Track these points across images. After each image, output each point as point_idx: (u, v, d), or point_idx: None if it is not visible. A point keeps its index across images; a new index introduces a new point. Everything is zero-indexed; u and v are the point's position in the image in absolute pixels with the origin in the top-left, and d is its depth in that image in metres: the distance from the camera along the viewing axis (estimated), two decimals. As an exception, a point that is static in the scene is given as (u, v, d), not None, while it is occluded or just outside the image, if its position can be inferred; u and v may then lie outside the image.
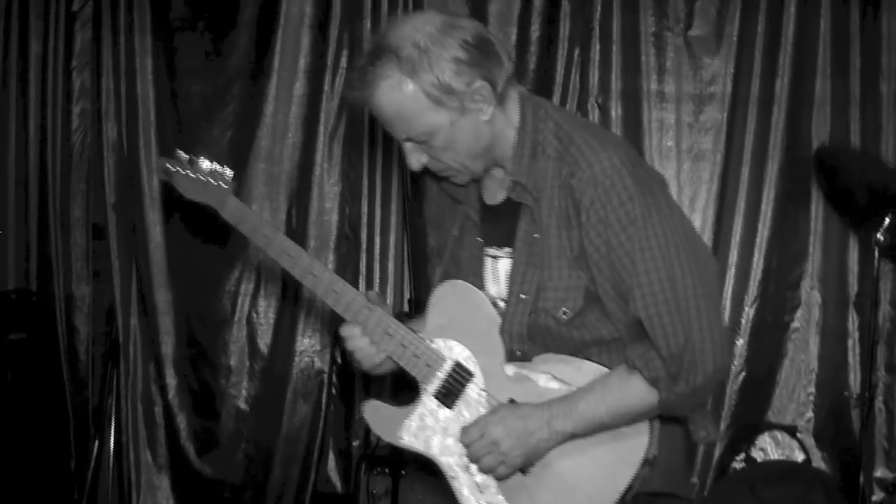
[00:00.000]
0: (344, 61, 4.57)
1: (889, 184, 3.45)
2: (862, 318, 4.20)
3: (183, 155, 2.44)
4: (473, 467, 2.22)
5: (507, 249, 2.27)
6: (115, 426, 4.82)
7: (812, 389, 4.35)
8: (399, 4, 4.51)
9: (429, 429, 2.29)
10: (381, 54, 2.07)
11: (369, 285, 4.58)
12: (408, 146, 2.18)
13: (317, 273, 2.32)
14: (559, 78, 4.41)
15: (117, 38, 4.72)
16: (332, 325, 4.68)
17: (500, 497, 2.22)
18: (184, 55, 4.74)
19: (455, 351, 2.27)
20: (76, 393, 4.84)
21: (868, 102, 4.20)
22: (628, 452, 2.14)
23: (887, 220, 3.48)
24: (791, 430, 4.33)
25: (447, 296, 2.31)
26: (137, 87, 4.72)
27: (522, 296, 2.19)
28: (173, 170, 2.43)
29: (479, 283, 2.32)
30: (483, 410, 2.24)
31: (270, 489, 4.73)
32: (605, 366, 2.16)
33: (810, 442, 4.33)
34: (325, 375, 4.70)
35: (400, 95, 2.07)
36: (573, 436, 2.13)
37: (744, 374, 4.32)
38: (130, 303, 4.82)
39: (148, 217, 4.75)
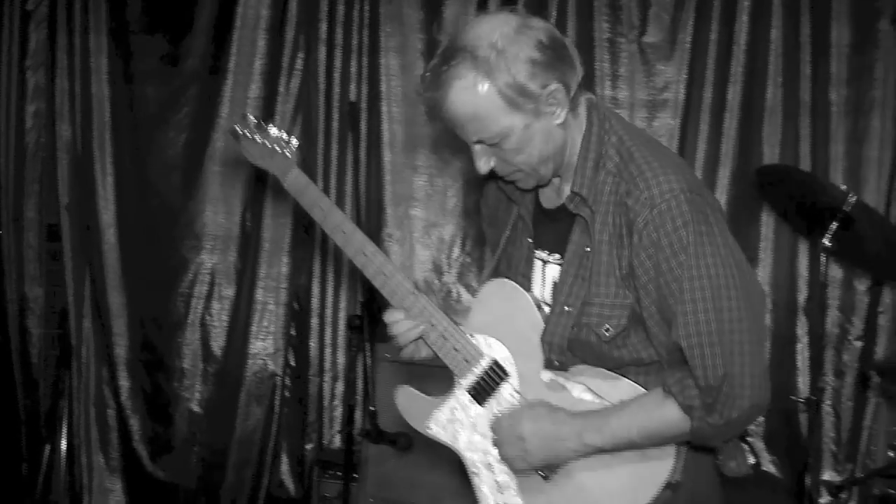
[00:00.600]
0: (300, 63, 4.60)
1: (828, 200, 3.49)
2: (811, 323, 4.24)
3: (252, 119, 2.52)
4: (496, 466, 2.26)
5: (557, 256, 2.25)
6: (67, 429, 4.81)
7: (762, 394, 4.38)
8: (355, 6, 4.53)
9: (458, 422, 2.31)
10: (456, 54, 2.04)
11: (324, 288, 4.58)
12: (477, 148, 2.14)
13: (368, 254, 2.33)
14: (514, 82, 4.42)
15: (72, 39, 4.72)
16: (285, 328, 4.68)
17: (519, 499, 2.24)
18: (140, 56, 4.73)
19: (494, 349, 2.27)
20: (28, 396, 4.82)
21: (818, 109, 4.24)
22: (652, 474, 2.12)
23: (834, 225, 3.52)
24: (741, 435, 4.35)
25: (494, 293, 2.30)
26: (92, 87, 4.71)
27: (567, 308, 2.17)
28: (241, 132, 2.54)
29: (527, 284, 2.31)
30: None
31: (224, 493, 4.72)
32: (642, 387, 2.14)
33: (760, 446, 4.36)
34: (279, 378, 4.69)
35: (475, 96, 2.03)
36: (601, 450, 2.13)
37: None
38: (84, 305, 4.80)
39: (102, 218, 4.73)
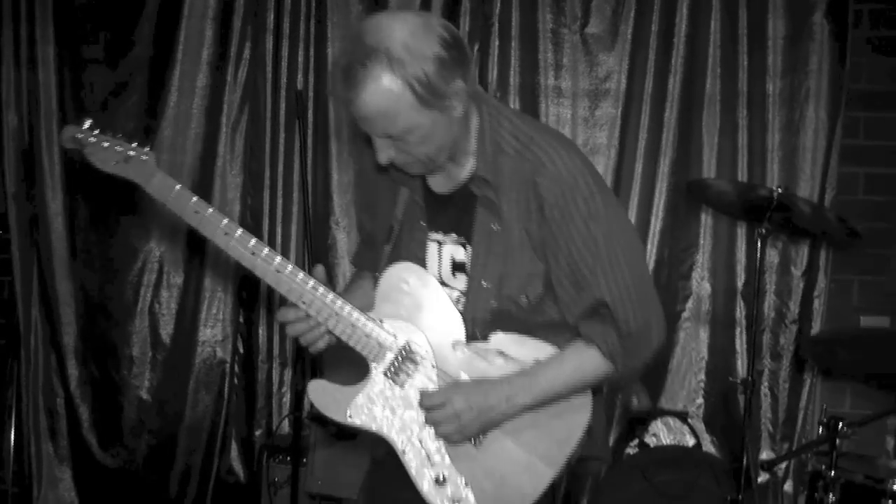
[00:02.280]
0: (247, 53, 4.62)
1: (759, 194, 3.60)
2: (748, 307, 4.35)
3: (90, 122, 2.34)
4: (423, 442, 2.31)
5: (454, 236, 2.35)
6: (15, 418, 4.78)
7: (702, 377, 4.50)
8: (301, -5, 4.56)
9: (378, 407, 2.33)
10: (370, 54, 2.06)
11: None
12: (380, 142, 2.19)
13: (257, 253, 2.28)
14: (459, 72, 4.48)
15: (18, 27, 4.68)
16: (234, 315, 4.71)
17: (451, 469, 2.31)
18: (86, 45, 4.71)
19: (406, 331, 2.32)
20: (-25, 385, 4.80)
21: (755, 100, 4.36)
22: (574, 424, 2.32)
23: (768, 214, 3.63)
24: (682, 416, 4.47)
25: (397, 277, 2.34)
26: (39, 75, 4.69)
27: (485, 283, 2.28)
28: (81, 137, 2.32)
29: (422, 265, 2.38)
30: (433, 387, 2.32)
31: (173, 479, 4.74)
32: (550, 343, 2.32)
33: (700, 427, 4.48)
34: (227, 365, 4.72)
35: (388, 96, 2.08)
36: (530, 408, 2.28)
37: (637, 362, 4.43)
38: (31, 293, 4.78)
39: (49, 207, 4.72)
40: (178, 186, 2.29)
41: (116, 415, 4.79)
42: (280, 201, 4.61)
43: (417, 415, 2.32)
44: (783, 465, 4.40)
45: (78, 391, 4.80)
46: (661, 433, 4.52)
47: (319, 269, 2.34)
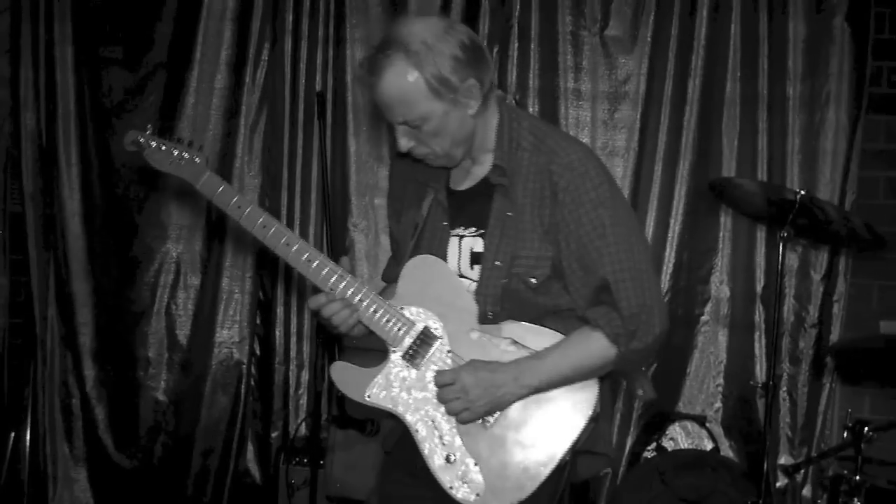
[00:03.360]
0: (265, 54, 4.62)
1: (784, 196, 3.57)
2: (768, 311, 4.34)
3: (151, 128, 2.66)
4: (436, 422, 2.44)
5: (473, 229, 2.52)
6: (31, 418, 4.77)
7: (721, 381, 4.49)
8: (321, -2, 4.56)
9: (394, 387, 2.48)
10: (391, 45, 2.34)
11: (289, 277, 4.61)
12: (401, 129, 2.42)
13: (290, 243, 2.50)
14: (478, 75, 4.47)
15: (37, 27, 4.68)
16: (251, 316, 4.70)
17: (462, 447, 2.43)
18: (105, 45, 4.72)
19: (424, 317, 2.48)
20: (-8, 385, 4.80)
21: (775, 103, 4.35)
22: (579, 410, 2.43)
23: (790, 217, 3.60)
24: (700, 420, 4.46)
25: (418, 268, 2.51)
26: (57, 76, 4.69)
27: (497, 262, 2.44)
28: (142, 141, 2.66)
29: (443, 259, 2.54)
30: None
31: (189, 481, 4.73)
32: (560, 332, 2.44)
33: (718, 431, 4.47)
34: (244, 367, 4.71)
35: (404, 82, 2.33)
36: (537, 390, 2.40)
37: (655, 365, 4.42)
38: (48, 293, 4.77)
39: (67, 208, 4.72)
40: (223, 186, 2.57)
41: (132, 416, 4.78)
42: (298, 202, 4.61)
43: (431, 396, 2.45)
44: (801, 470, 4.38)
45: (94, 392, 4.79)
46: (679, 437, 4.51)
47: (344, 259, 2.53)
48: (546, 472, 2.39)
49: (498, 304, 2.45)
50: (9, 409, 4.79)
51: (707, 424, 4.45)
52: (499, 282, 2.44)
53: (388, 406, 2.47)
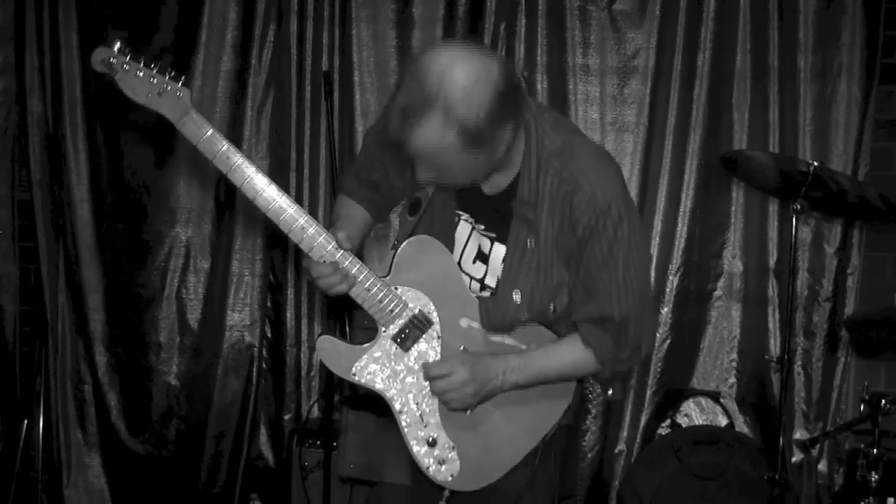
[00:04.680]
0: (271, 35, 4.59)
1: (798, 168, 3.53)
2: (781, 285, 4.31)
3: (123, 46, 2.23)
4: (419, 404, 2.48)
5: (482, 227, 2.51)
6: (44, 405, 4.78)
7: (734, 356, 4.47)
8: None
9: (382, 367, 2.47)
10: (427, 100, 2.15)
11: (297, 259, 4.60)
12: (423, 165, 2.30)
13: (287, 209, 2.34)
14: (486, 52, 4.43)
15: (41, 13, 4.66)
16: (262, 299, 4.69)
17: (441, 431, 2.49)
18: (110, 30, 4.68)
19: (418, 299, 2.46)
20: (3, 372, 4.78)
21: (786, 75, 4.30)
22: (556, 403, 2.56)
23: (803, 189, 3.56)
24: (714, 396, 4.44)
25: (417, 249, 2.47)
26: (62, 62, 4.67)
27: (516, 297, 2.46)
28: (114, 62, 2.23)
29: (450, 240, 2.53)
30: (435, 356, 2.49)
31: (203, 465, 4.74)
32: (555, 332, 2.53)
33: (733, 407, 4.44)
34: (256, 350, 4.71)
35: (438, 142, 2.19)
36: (521, 387, 2.49)
37: (668, 341, 4.40)
38: (58, 280, 4.77)
39: (75, 194, 4.71)
40: (210, 130, 2.26)
41: (145, 401, 4.79)
42: (306, 184, 4.58)
43: (417, 379, 2.47)
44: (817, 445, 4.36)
45: (106, 378, 4.80)
46: (694, 413, 4.49)
47: (342, 234, 2.39)
48: (519, 457, 2.52)
49: (506, 331, 2.51)
50: (21, 397, 4.79)
51: (721, 400, 4.43)
52: (517, 316, 2.48)
53: (373, 386, 2.48)
